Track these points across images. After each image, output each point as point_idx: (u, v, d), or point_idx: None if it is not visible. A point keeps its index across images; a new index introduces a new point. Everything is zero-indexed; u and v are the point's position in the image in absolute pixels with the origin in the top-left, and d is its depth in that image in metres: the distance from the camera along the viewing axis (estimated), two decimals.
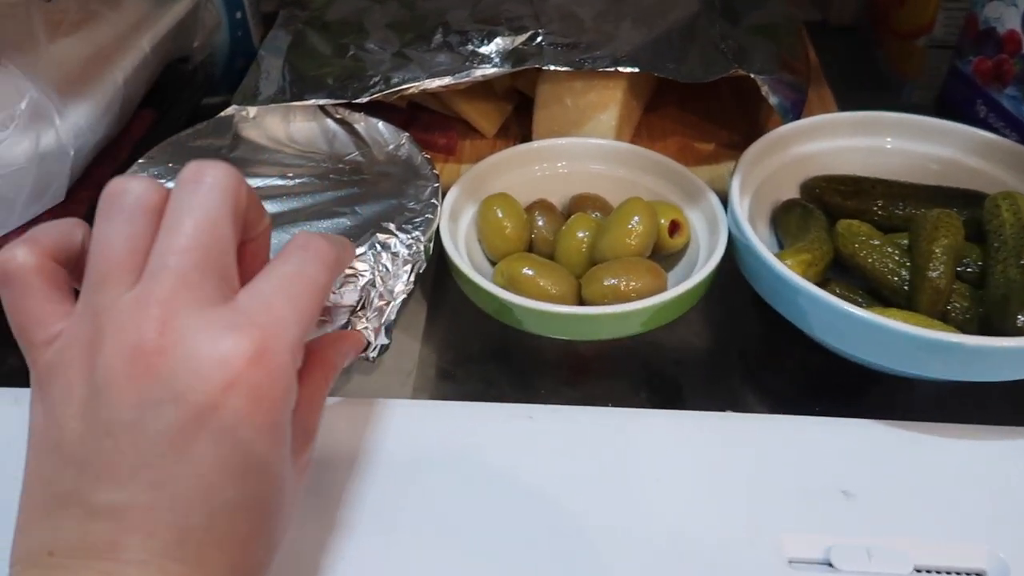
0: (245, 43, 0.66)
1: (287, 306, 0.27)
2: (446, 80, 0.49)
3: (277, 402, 0.26)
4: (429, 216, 0.42)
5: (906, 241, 0.44)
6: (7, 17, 0.45)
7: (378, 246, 0.39)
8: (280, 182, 0.45)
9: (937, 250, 0.40)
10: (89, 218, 0.45)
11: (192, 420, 0.25)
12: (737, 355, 0.48)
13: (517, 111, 0.60)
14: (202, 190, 0.27)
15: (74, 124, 0.42)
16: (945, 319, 0.41)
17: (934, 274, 0.40)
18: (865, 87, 0.69)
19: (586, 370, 0.47)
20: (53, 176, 0.42)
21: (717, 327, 0.49)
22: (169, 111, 0.55)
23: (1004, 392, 0.40)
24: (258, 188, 0.44)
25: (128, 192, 0.27)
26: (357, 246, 0.39)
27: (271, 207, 0.43)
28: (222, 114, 0.50)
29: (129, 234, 0.27)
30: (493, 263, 0.47)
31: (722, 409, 0.42)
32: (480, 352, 0.47)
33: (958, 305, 0.41)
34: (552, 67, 0.49)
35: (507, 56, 0.50)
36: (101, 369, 0.25)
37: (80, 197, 0.46)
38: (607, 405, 0.42)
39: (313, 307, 0.28)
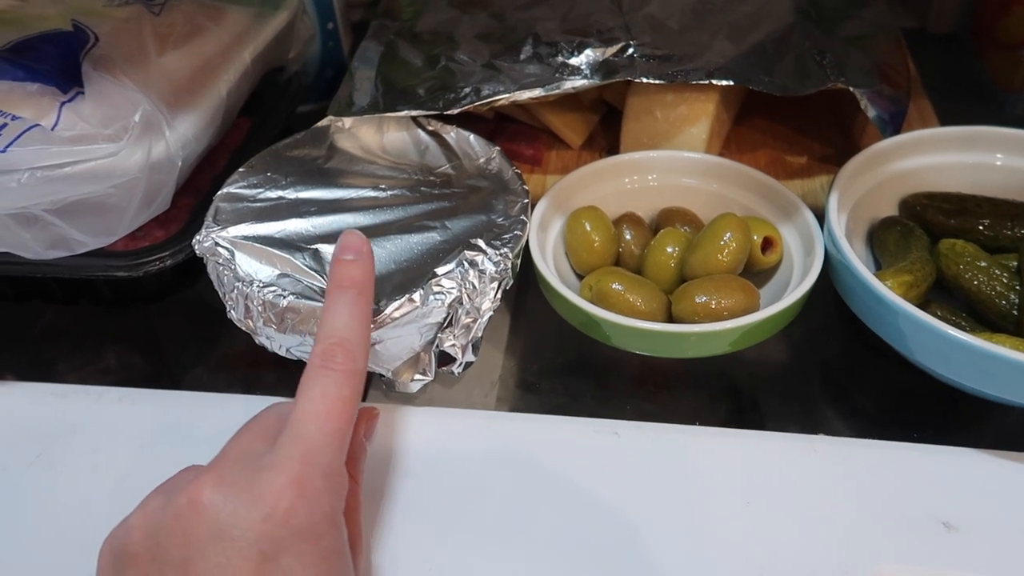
0: (336, 53, 0.68)
1: (317, 433, 0.30)
2: (536, 92, 0.49)
3: (319, 529, 0.29)
4: (518, 232, 0.42)
5: (1015, 263, 0.42)
6: (121, 32, 0.47)
7: (466, 263, 0.40)
8: (373, 193, 0.46)
9: None
10: (189, 224, 0.47)
11: (242, 562, 0.27)
12: (827, 375, 0.47)
13: (603, 122, 0.59)
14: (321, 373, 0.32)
15: (182, 135, 0.44)
16: None
17: None
18: (966, 98, 0.66)
19: (671, 385, 0.46)
20: (162, 185, 0.43)
21: (806, 345, 0.48)
22: (265, 120, 0.56)
23: None
24: (351, 199, 0.45)
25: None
26: (445, 263, 0.40)
27: (363, 219, 0.44)
28: (318, 124, 0.51)
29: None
30: (580, 276, 0.46)
31: (810, 431, 0.41)
32: (564, 365, 0.47)
33: None
34: (644, 80, 0.48)
35: (597, 68, 0.50)
36: (160, 526, 0.28)
37: (182, 204, 0.48)
38: (692, 422, 0.41)
39: (343, 424, 0.31)
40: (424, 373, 0.41)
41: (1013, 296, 0.40)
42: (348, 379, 0.32)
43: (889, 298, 0.38)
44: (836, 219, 0.42)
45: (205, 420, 0.42)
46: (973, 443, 0.39)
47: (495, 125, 0.59)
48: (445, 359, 0.41)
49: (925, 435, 0.40)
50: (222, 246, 0.42)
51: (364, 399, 0.43)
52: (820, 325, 0.48)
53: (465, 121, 0.52)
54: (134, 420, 0.42)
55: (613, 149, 0.56)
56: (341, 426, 0.31)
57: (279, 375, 0.47)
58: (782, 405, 0.45)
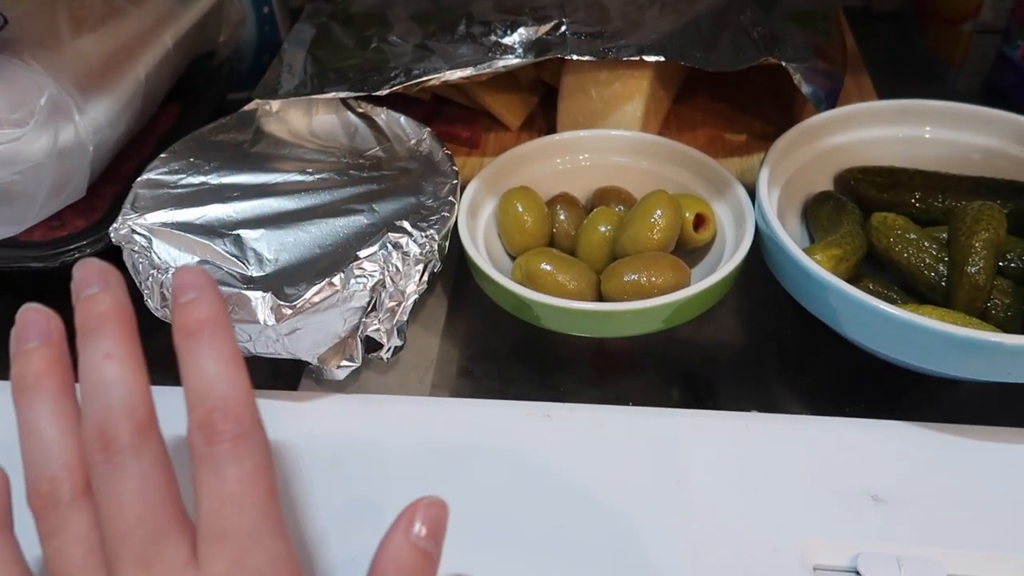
0: (272, 38, 0.66)
1: (238, 531, 0.24)
2: (467, 71, 0.48)
3: None
4: (445, 214, 0.41)
5: (945, 235, 0.42)
6: (34, 14, 0.45)
7: (389, 246, 0.39)
8: (299, 177, 0.45)
9: (977, 244, 0.38)
10: (111, 212, 0.45)
11: None
12: (768, 352, 0.46)
13: (543, 103, 0.58)
14: (120, 459, 0.25)
15: (94, 120, 0.42)
16: (985, 317, 0.39)
17: (973, 269, 0.38)
18: (908, 75, 0.66)
19: (611, 367, 0.46)
20: (72, 172, 0.42)
21: (748, 323, 0.47)
22: (194, 106, 0.55)
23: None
24: (276, 183, 0.44)
25: (54, 492, 0.26)
26: (368, 246, 0.39)
27: (288, 203, 0.43)
28: (245, 108, 0.50)
29: (76, 538, 0.25)
30: (514, 258, 0.46)
31: (751, 408, 0.40)
32: (501, 349, 0.46)
33: (999, 302, 0.39)
34: (575, 57, 0.47)
35: (530, 46, 0.49)
36: None
37: (104, 192, 0.47)
38: (632, 403, 0.41)
39: (265, 505, 0.25)
40: (351, 359, 0.40)
41: (941, 268, 0.40)
42: (243, 447, 0.25)
43: (816, 272, 0.37)
44: (766, 194, 0.42)
45: None
46: (911, 416, 0.39)
47: (432, 108, 0.58)
48: (374, 345, 0.40)
49: (861, 409, 0.40)
50: (139, 233, 0.40)
51: (296, 388, 0.42)
52: (764, 304, 0.47)
53: (401, 104, 0.51)
54: None
55: (552, 130, 0.55)
56: (263, 509, 0.25)
57: None
58: (724, 384, 0.44)
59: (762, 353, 0.46)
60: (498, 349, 0.46)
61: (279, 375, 0.43)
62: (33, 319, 0.28)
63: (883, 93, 0.58)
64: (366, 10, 0.57)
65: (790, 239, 0.39)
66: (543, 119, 0.58)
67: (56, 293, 0.49)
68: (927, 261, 0.40)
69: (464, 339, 0.47)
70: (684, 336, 0.46)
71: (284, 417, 0.40)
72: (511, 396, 0.42)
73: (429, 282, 0.42)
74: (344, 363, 0.40)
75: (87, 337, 0.27)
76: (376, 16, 0.56)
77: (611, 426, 0.39)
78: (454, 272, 0.50)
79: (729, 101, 0.58)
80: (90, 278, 0.28)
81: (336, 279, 0.37)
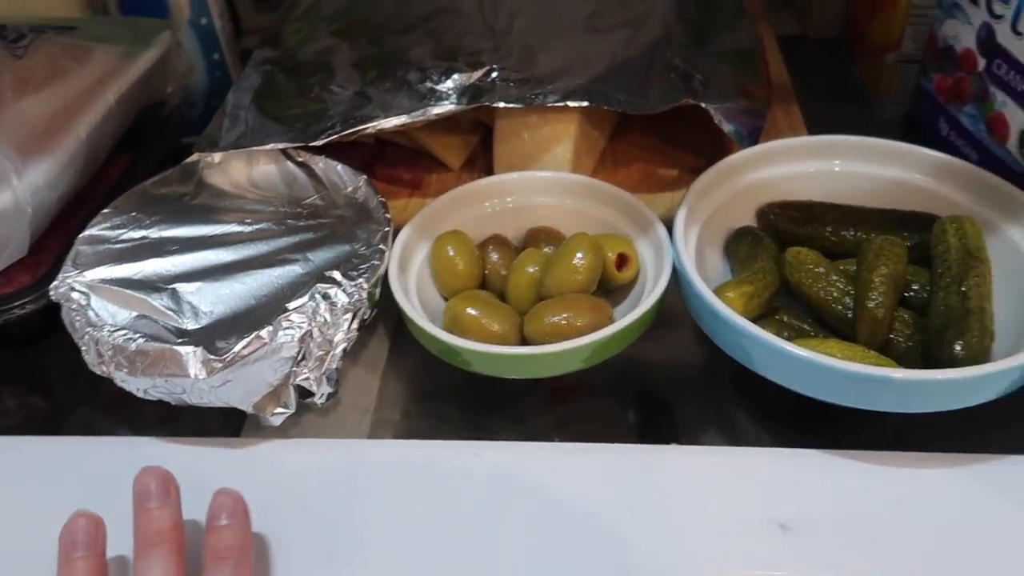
0: (224, 83, 0.68)
1: None
2: (402, 119, 0.50)
3: None
4: (376, 262, 0.43)
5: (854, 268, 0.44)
6: None
7: (318, 296, 0.40)
8: (238, 228, 0.46)
9: (876, 279, 0.40)
10: (56, 267, 0.47)
11: None
12: (696, 383, 0.48)
13: (483, 143, 0.60)
14: None
15: (32, 183, 0.44)
16: (887, 348, 0.40)
17: (872, 304, 0.40)
18: (840, 101, 0.68)
19: (540, 404, 0.47)
20: (11, 235, 0.43)
21: (676, 355, 0.48)
22: (144, 155, 0.56)
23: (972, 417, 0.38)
24: (215, 235, 0.46)
25: None
26: (298, 297, 0.40)
27: (226, 255, 0.44)
28: (188, 160, 0.52)
29: None
30: (448, 300, 0.47)
31: (676, 441, 0.42)
32: (439, 389, 0.48)
33: (901, 333, 0.41)
34: (503, 104, 0.49)
35: (463, 92, 0.51)
36: None
37: (50, 247, 0.48)
38: (551, 439, 0.42)
39: None
40: (286, 406, 0.41)
41: (848, 300, 0.42)
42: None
43: (723, 312, 0.39)
44: (682, 235, 0.43)
45: (88, 464, 0.42)
46: (838, 444, 0.40)
47: (375, 150, 0.59)
48: (308, 391, 0.42)
49: (790, 437, 0.41)
50: (77, 291, 0.42)
51: (239, 435, 0.44)
52: (685, 335, 0.49)
53: (345, 147, 0.53)
54: (10, 469, 0.42)
55: (493, 169, 0.57)
56: None
57: (162, 412, 0.46)
58: (647, 416, 0.45)
59: (689, 384, 0.47)
60: (436, 390, 0.48)
61: (229, 416, 0.44)
62: (83, 526, 0.32)
63: (815, 121, 0.60)
64: (312, 57, 0.59)
65: (701, 280, 0.40)
66: (483, 159, 0.59)
67: (5, 347, 0.50)
68: (834, 295, 0.42)
69: (404, 380, 0.48)
70: (615, 369, 0.47)
71: (221, 464, 0.42)
72: (448, 435, 0.43)
73: (368, 326, 0.43)
74: (279, 410, 0.41)
75: (147, 551, 0.32)
76: (321, 63, 0.58)
77: (535, 462, 0.41)
78: (396, 313, 0.51)
79: (663, 136, 0.60)
80: (154, 489, 0.33)
81: (264, 332, 0.39)
